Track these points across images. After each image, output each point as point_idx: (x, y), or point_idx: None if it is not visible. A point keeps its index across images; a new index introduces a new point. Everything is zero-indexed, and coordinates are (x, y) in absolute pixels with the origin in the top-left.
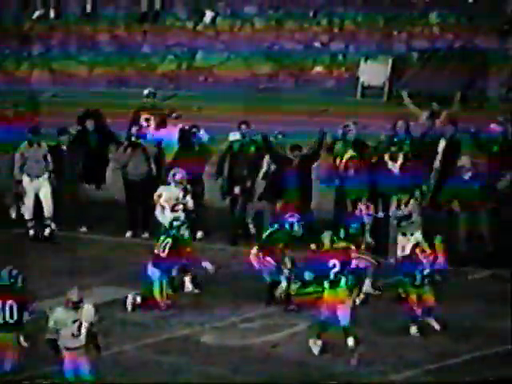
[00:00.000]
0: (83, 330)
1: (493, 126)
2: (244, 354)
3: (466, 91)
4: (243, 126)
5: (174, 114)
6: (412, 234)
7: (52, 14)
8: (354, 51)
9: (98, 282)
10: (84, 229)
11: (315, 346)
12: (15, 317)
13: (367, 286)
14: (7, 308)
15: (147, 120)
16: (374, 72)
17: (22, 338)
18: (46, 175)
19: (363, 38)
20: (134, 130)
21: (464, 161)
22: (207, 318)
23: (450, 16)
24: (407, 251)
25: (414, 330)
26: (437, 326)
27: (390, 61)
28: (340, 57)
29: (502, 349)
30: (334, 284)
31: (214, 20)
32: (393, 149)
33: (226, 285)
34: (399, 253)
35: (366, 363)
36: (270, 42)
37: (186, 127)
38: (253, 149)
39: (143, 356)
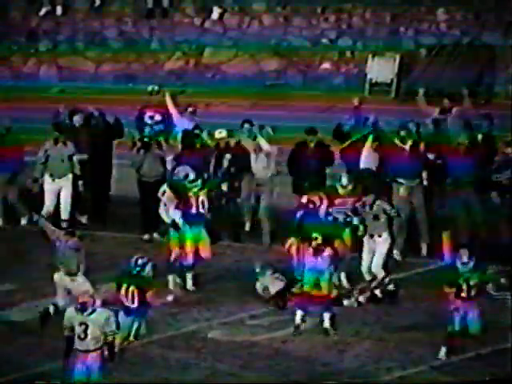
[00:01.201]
0: (89, 335)
1: None
2: (252, 350)
3: (474, 87)
4: (246, 125)
5: (189, 109)
6: (380, 236)
7: (59, 10)
8: (362, 47)
9: (104, 278)
10: (84, 219)
11: None
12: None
13: (343, 279)
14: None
15: (152, 118)
16: (381, 68)
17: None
18: (69, 176)
19: (371, 35)
20: (147, 130)
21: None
22: (215, 315)
23: (457, 12)
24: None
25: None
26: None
27: (398, 57)
28: (348, 53)
29: (507, 345)
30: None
31: (221, 16)
32: (402, 133)
33: (233, 281)
34: (366, 256)
35: (372, 360)
36: (278, 38)
37: (190, 127)
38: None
39: (150, 352)
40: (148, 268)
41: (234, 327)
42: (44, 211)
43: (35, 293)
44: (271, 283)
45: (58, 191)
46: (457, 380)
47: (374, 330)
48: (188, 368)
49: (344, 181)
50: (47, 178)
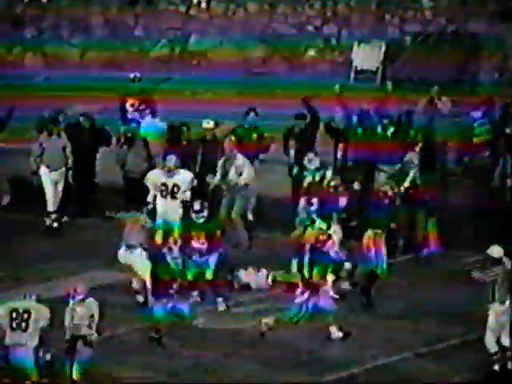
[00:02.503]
0: (66, 323)
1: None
2: (236, 338)
3: (459, 75)
4: (252, 114)
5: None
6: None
7: None
8: (347, 35)
9: (88, 266)
10: (66, 218)
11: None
12: None
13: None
14: None
15: (133, 106)
16: (367, 56)
17: None
18: (63, 168)
19: (356, 22)
20: (132, 124)
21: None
22: (199, 302)
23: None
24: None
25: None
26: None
27: (384, 45)
28: (333, 41)
29: None
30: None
31: (207, 4)
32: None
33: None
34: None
35: (357, 347)
36: (263, 26)
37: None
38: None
39: (135, 340)
40: None
41: (218, 315)
42: (50, 206)
43: (20, 281)
44: (251, 277)
45: (56, 182)
46: (441, 367)
47: (359, 317)
48: (173, 356)
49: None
50: (44, 170)
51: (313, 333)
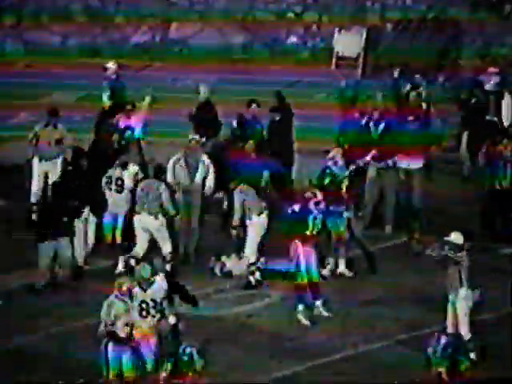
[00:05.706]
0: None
1: None
2: (217, 324)
3: (440, 61)
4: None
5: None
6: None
7: None
8: (328, 21)
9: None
10: None
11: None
12: None
13: (341, 266)
14: None
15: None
16: (348, 43)
17: None
18: (58, 160)
19: (337, 9)
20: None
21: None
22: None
23: None
24: None
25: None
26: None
27: (365, 31)
28: (314, 27)
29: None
30: None
31: None
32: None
33: (201, 256)
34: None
35: (338, 334)
36: (244, 11)
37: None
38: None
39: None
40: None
41: (200, 301)
42: (33, 199)
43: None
44: (234, 265)
45: (45, 174)
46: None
47: (339, 304)
48: None
49: None
50: (35, 161)
51: (294, 320)
